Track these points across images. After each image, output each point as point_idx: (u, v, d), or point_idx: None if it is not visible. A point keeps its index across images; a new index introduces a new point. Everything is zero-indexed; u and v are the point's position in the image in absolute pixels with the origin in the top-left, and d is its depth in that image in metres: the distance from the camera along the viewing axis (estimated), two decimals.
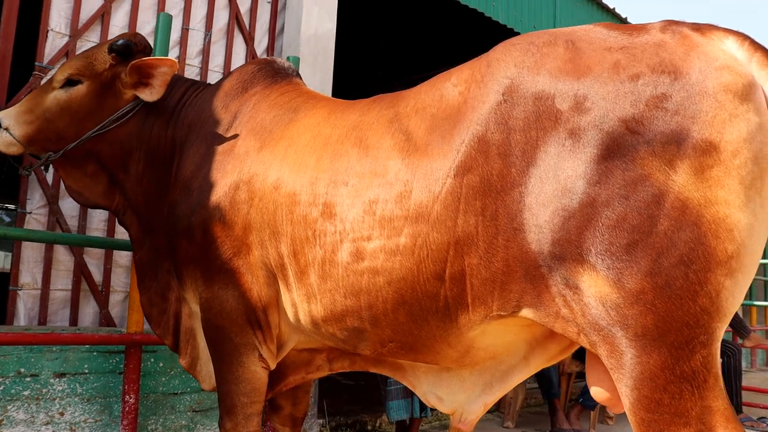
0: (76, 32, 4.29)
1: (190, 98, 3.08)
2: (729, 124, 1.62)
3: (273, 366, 2.73)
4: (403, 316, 2.17)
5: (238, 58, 5.11)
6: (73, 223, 4.24)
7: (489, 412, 6.67)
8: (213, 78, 4.93)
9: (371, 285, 2.16)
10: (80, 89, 3.01)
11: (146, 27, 4.58)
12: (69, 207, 4.20)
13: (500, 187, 1.89)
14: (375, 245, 2.13)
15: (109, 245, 3.90)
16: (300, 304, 2.43)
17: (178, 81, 3.19)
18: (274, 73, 2.96)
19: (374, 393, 4.85)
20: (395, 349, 2.32)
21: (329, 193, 2.26)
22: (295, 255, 2.36)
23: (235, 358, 2.65)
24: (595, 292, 1.71)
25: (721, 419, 1.62)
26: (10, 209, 13.05)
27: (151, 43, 3.95)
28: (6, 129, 3.01)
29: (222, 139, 2.74)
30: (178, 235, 2.73)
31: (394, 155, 2.15)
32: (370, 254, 2.14)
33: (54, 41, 4.22)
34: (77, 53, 3.75)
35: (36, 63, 4.13)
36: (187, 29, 4.81)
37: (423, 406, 4.63)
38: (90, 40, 4.35)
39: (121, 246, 3.89)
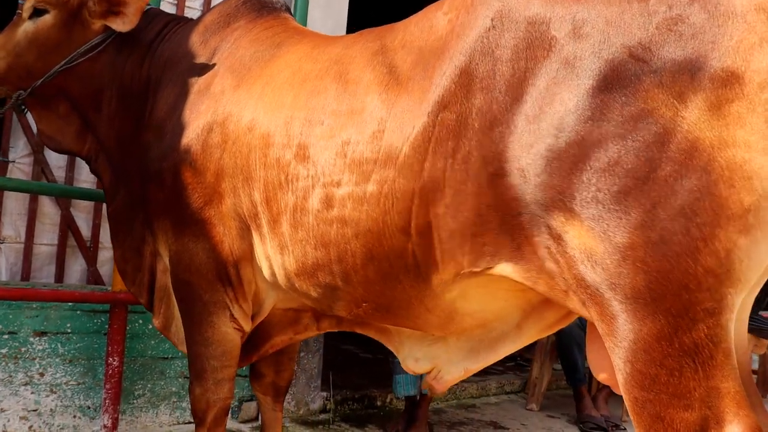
0: None
1: (168, 33, 3.04)
2: (758, 50, 1.45)
3: (247, 328, 2.72)
4: (373, 274, 2.14)
5: None
6: (60, 174, 4.22)
7: (513, 392, 6.57)
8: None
9: (340, 236, 2.14)
10: (47, 20, 2.96)
11: None
12: (56, 157, 4.18)
13: (478, 126, 1.81)
14: (344, 192, 2.11)
15: (97, 197, 3.88)
16: (273, 257, 2.43)
17: (158, 15, 3.14)
18: (260, 6, 2.93)
19: (387, 366, 4.79)
20: (370, 310, 2.29)
21: (304, 134, 2.24)
22: (268, 202, 2.35)
23: (205, 317, 2.63)
24: (579, 244, 1.62)
25: (731, 404, 1.47)
26: None
27: None
28: None
29: (198, 78, 2.71)
30: (149, 180, 2.73)
31: (373, 91, 2.11)
32: (339, 202, 2.12)
33: None
34: None
35: (19, 1, 3.95)
36: None
37: None
38: None
39: (102, 197, 3.80)
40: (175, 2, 4.72)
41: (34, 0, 2.98)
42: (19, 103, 3.07)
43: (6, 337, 3.70)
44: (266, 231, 2.41)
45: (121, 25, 2.92)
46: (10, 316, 3.72)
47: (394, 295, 2.16)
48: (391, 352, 4.48)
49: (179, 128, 2.65)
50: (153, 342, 4.22)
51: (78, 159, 4.27)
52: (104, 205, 4.28)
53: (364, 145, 2.06)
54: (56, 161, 4.20)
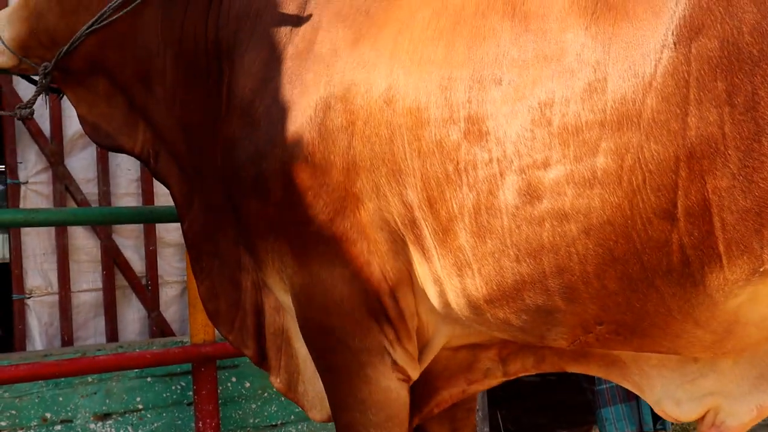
0: None
1: None
2: None
3: (415, 376, 2.70)
4: (615, 282, 2.13)
5: None
6: (90, 189, 4.32)
7: None
8: None
9: (558, 238, 2.14)
10: None
11: None
12: (81, 166, 4.30)
13: (760, 52, 1.79)
14: (556, 174, 2.10)
15: (147, 217, 3.95)
16: (447, 279, 2.44)
17: None
18: None
19: (574, 396, 4.82)
20: (607, 334, 2.28)
21: (474, 100, 2.24)
22: (431, 204, 2.37)
23: (356, 371, 2.66)
24: None
25: None
26: None
27: None
28: None
29: (291, 35, 2.74)
30: (245, 190, 2.76)
31: (573, 24, 2.10)
32: (550, 189, 2.12)
33: None
34: None
35: None
36: None
37: (658, 416, 4.52)
38: None
39: (166, 215, 3.92)
40: None
41: None
42: (48, 83, 3.14)
43: (59, 428, 3.80)
44: (432, 244, 2.43)
45: None
46: (60, 399, 3.78)
47: (646, 309, 2.15)
48: (589, 377, 4.50)
49: (278, 110, 2.67)
50: (254, 406, 4.27)
51: (112, 164, 4.40)
52: (157, 226, 4.45)
53: (578, 103, 2.06)
54: (82, 172, 4.31)
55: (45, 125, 4.27)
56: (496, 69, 2.21)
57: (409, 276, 2.57)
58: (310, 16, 2.72)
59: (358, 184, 2.52)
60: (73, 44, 3.03)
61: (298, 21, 2.74)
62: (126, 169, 4.50)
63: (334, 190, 2.55)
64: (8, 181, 4.18)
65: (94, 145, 4.41)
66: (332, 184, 2.55)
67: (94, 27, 3.00)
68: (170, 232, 4.56)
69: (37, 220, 3.67)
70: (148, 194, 4.50)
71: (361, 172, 2.51)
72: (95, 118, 3.22)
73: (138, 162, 4.30)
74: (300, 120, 2.60)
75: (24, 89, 4.23)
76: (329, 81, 2.56)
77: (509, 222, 2.20)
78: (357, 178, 2.52)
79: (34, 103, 3.21)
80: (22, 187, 4.22)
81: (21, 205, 4.23)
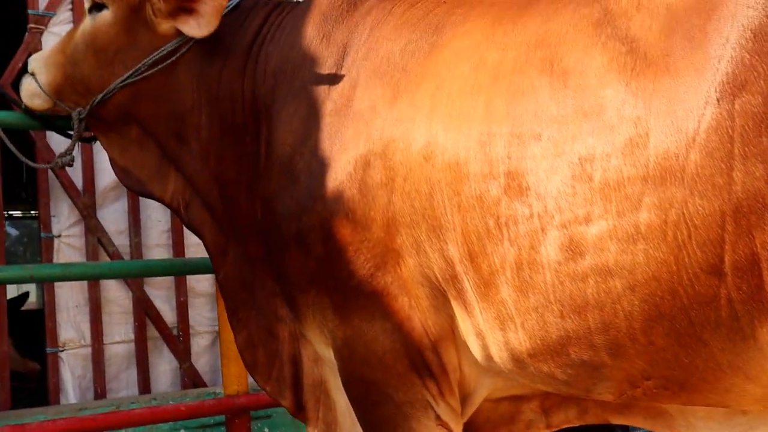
0: None
1: (271, 30, 3.08)
2: None
3: (459, 430, 2.69)
4: (662, 338, 2.11)
5: None
6: (122, 240, 4.33)
7: None
8: None
9: (602, 294, 2.13)
10: (105, 17, 3.07)
11: None
12: (113, 218, 4.33)
13: None
14: (599, 229, 2.10)
15: (180, 269, 3.97)
16: (490, 333, 2.43)
17: (253, 7, 3.18)
18: None
19: None
20: (655, 389, 2.25)
21: (513, 156, 2.25)
22: (472, 258, 2.36)
23: (400, 424, 2.64)
24: None
25: None
26: (16, 217, 13.59)
27: None
28: (32, 74, 3.21)
29: (330, 91, 2.75)
30: (286, 244, 2.77)
31: (612, 80, 2.11)
32: (593, 245, 2.11)
33: None
34: None
35: (29, 11, 4.22)
36: None
37: None
38: None
39: (198, 266, 3.94)
40: None
41: None
42: (82, 128, 3.21)
43: None
44: (473, 298, 2.42)
45: (196, 27, 2.99)
46: None
47: (695, 364, 2.13)
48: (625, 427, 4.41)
49: (319, 166, 2.68)
50: None
51: (143, 215, 4.43)
52: (188, 276, 4.45)
53: (619, 158, 2.06)
54: (114, 224, 4.33)
55: (77, 178, 4.31)
56: (535, 125, 2.21)
57: (451, 330, 2.56)
58: (347, 72, 2.74)
59: (398, 240, 2.52)
60: (106, 95, 3.09)
61: (335, 78, 2.75)
62: (156, 220, 4.51)
63: (375, 246, 2.56)
64: (42, 234, 4.21)
65: (126, 197, 4.48)
66: (373, 240, 2.56)
67: (128, 81, 3.06)
68: (200, 282, 4.56)
69: (73, 274, 3.71)
70: (178, 245, 4.51)
71: (401, 228, 2.51)
72: (126, 162, 3.27)
73: (168, 213, 4.47)
74: (340, 176, 2.61)
75: (57, 144, 4.24)
76: (368, 137, 2.58)
77: (552, 277, 2.19)
78: (397, 234, 2.52)
79: (73, 150, 3.28)
80: (56, 240, 4.24)
81: (54, 258, 4.24)
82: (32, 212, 12.42)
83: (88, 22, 3.12)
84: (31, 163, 3.53)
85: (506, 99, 2.30)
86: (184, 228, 4.34)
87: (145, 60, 3.05)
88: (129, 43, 3.08)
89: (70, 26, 4.33)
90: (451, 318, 2.53)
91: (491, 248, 2.30)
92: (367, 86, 2.66)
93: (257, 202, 2.93)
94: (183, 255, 4.45)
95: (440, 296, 2.51)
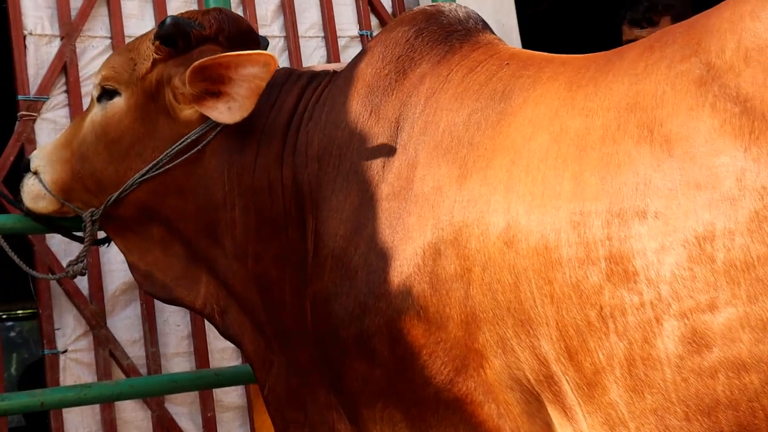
0: (70, 27, 4.30)
1: (309, 107, 3.02)
2: None
3: None
4: None
5: (346, 10, 5.11)
6: (136, 351, 4.12)
7: None
8: (315, 57, 4.86)
9: (737, 391, 2.03)
10: (118, 105, 3.05)
11: None
12: (125, 325, 4.11)
13: None
14: (727, 318, 2.00)
15: (211, 381, 3.72)
16: None
17: (287, 79, 3.13)
18: (446, 33, 2.90)
19: None
20: None
21: (615, 237, 2.17)
22: (572, 356, 2.27)
23: None
24: None
25: None
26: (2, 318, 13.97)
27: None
28: (35, 173, 3.18)
29: (384, 173, 2.70)
30: (345, 351, 2.70)
31: (726, 146, 2.03)
32: (721, 335, 2.01)
33: (38, 52, 4.25)
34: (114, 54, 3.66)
35: (19, 97, 4.11)
36: None
37: None
38: (97, 35, 4.41)
39: (234, 377, 3.77)
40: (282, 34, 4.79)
41: (102, 72, 3.08)
42: (95, 231, 3.15)
43: None
44: (575, 401, 2.31)
45: (226, 113, 2.90)
46: None
47: None
48: None
49: (379, 259, 2.61)
50: None
51: (159, 320, 4.21)
52: (215, 390, 4.21)
53: (744, 235, 1.98)
54: (126, 332, 4.11)
55: (83, 284, 4.07)
56: (637, 200, 2.16)
57: None
58: (403, 150, 2.71)
59: (480, 338, 2.46)
60: (123, 192, 3.05)
61: (390, 157, 2.73)
62: (175, 325, 4.29)
63: (453, 347, 2.51)
64: (45, 351, 3.96)
65: (138, 301, 4.28)
66: (450, 341, 2.51)
67: (148, 175, 3.02)
68: (229, 394, 4.32)
69: (90, 397, 3.49)
70: (201, 352, 4.27)
71: (483, 324, 2.44)
72: (148, 266, 3.23)
73: (188, 316, 4.29)
74: (406, 269, 2.56)
75: (57, 245, 4.08)
76: (436, 223, 2.53)
77: (673, 374, 2.11)
78: (479, 332, 2.46)
79: (85, 256, 3.26)
80: (61, 357, 4.00)
81: (61, 378, 4.01)
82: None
83: (97, 111, 3.11)
84: (37, 275, 3.52)
85: (599, 172, 2.25)
86: (207, 332, 4.24)
87: (167, 150, 3.01)
88: (147, 133, 3.06)
89: (65, 111, 4.25)
90: (548, 425, 2.45)
91: (594, 343, 2.23)
92: (428, 165, 2.63)
93: (306, 302, 2.89)
94: (207, 363, 4.21)
95: (534, 400, 2.44)
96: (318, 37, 4.97)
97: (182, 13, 3.13)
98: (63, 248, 4.04)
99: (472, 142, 2.55)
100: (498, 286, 2.37)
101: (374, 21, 5.15)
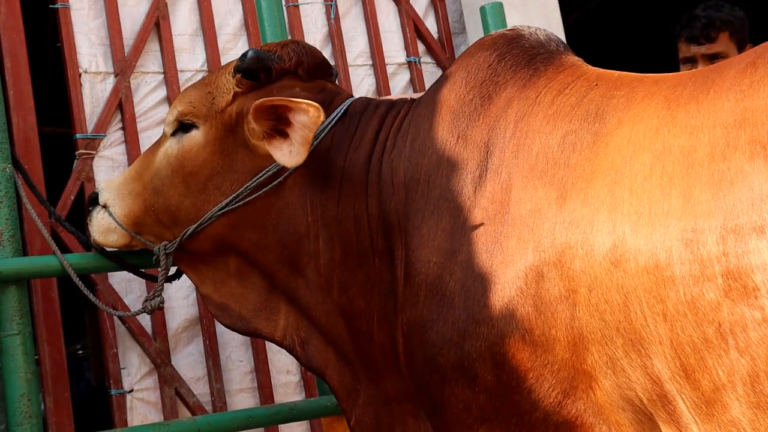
0: (124, 63, 4.34)
1: (390, 136, 3.03)
2: None
3: None
4: None
5: (393, 37, 5.11)
6: (201, 389, 4.10)
7: None
8: (364, 85, 4.91)
9: None
10: (195, 138, 3.08)
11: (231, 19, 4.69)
12: (188, 362, 4.10)
13: None
14: None
15: (285, 417, 3.73)
16: None
17: (365, 109, 3.13)
18: (530, 56, 2.92)
19: None
20: None
21: (731, 253, 2.15)
22: (689, 374, 2.25)
23: None
24: None
25: None
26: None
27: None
28: (104, 206, 3.20)
29: (476, 197, 2.71)
30: (445, 377, 2.69)
31: None
32: None
33: (93, 89, 4.28)
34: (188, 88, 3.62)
35: (77, 135, 4.13)
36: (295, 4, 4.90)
37: None
38: (150, 70, 4.45)
39: (304, 412, 3.82)
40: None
41: (178, 108, 3.11)
42: (170, 265, 3.17)
43: None
44: (692, 419, 2.29)
45: (287, 155, 2.89)
46: None
47: None
48: None
49: (477, 284, 2.60)
50: None
51: (222, 356, 4.20)
52: (281, 427, 4.18)
53: None
54: (190, 370, 4.09)
55: (146, 321, 4.07)
56: (754, 215, 2.14)
57: None
58: (495, 174, 2.71)
59: (588, 359, 2.46)
60: (201, 225, 3.08)
61: (481, 182, 2.73)
62: (238, 360, 4.27)
63: (561, 369, 2.50)
64: (113, 391, 3.95)
65: (200, 337, 4.27)
66: (557, 363, 2.50)
67: (228, 208, 3.05)
68: (293, 429, 4.32)
69: None
70: (265, 387, 4.25)
71: (591, 345, 2.45)
72: (223, 298, 3.23)
73: (250, 351, 4.28)
74: (508, 293, 2.56)
75: (118, 284, 4.08)
76: (537, 246, 2.53)
77: None
78: (587, 353, 2.46)
79: (162, 290, 3.27)
80: (128, 397, 3.99)
81: (128, 419, 4.01)
82: None
83: (172, 144, 3.13)
84: (117, 312, 3.66)
85: (710, 189, 2.24)
86: (271, 367, 4.25)
87: (248, 183, 3.04)
88: (226, 166, 3.08)
89: (122, 147, 4.26)
90: None
91: (713, 360, 2.21)
92: (524, 188, 2.63)
93: (397, 332, 2.90)
94: (272, 398, 4.21)
95: (646, 420, 2.43)
96: (366, 65, 4.98)
97: (261, 46, 3.18)
98: (124, 287, 4.03)
99: (568, 163, 2.54)
100: (606, 307, 2.36)
101: (421, 47, 5.16)
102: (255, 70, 3.02)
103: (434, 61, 5.22)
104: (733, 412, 2.19)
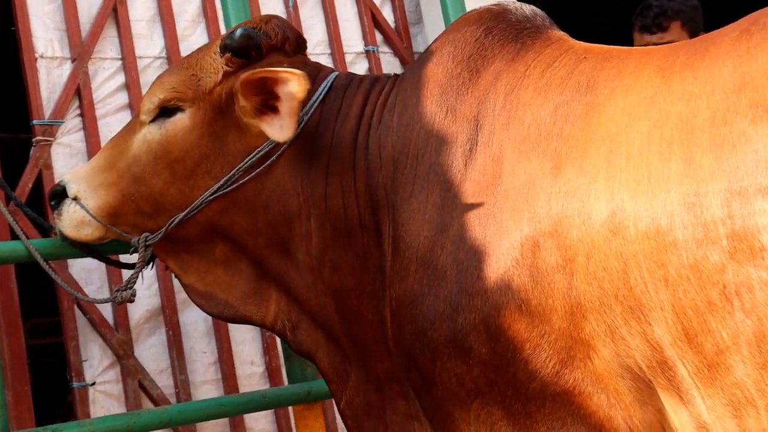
0: (82, 48, 4.31)
1: (377, 112, 3.03)
2: None
3: None
4: None
5: (350, 26, 5.18)
6: (164, 380, 4.08)
7: None
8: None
9: None
10: (180, 122, 3.04)
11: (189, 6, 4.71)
12: (151, 354, 4.07)
13: None
14: None
15: (256, 405, 3.69)
16: (718, 423, 2.32)
17: (349, 84, 3.14)
18: (516, 31, 2.94)
19: None
20: None
21: (737, 215, 2.17)
22: (691, 338, 2.27)
23: None
24: None
25: None
26: None
27: None
28: (75, 199, 3.11)
29: (467, 170, 2.71)
30: (437, 352, 2.68)
31: None
32: None
33: (50, 75, 4.25)
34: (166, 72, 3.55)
35: (33, 122, 4.10)
36: None
37: None
38: (108, 56, 4.42)
39: (276, 400, 3.78)
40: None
41: (159, 94, 3.06)
42: (148, 254, 3.12)
43: None
44: (692, 384, 2.31)
45: (278, 130, 2.90)
46: None
47: None
48: None
49: (470, 257, 2.61)
50: None
51: (186, 347, 4.19)
52: (246, 417, 4.18)
53: None
54: (153, 362, 4.06)
55: (107, 312, 4.03)
56: (759, 177, 2.16)
57: (661, 427, 2.48)
58: (486, 147, 2.73)
59: (586, 328, 2.46)
60: (191, 212, 3.05)
61: (472, 155, 2.74)
62: (201, 352, 4.26)
63: (558, 339, 2.51)
64: (74, 384, 3.90)
65: (163, 328, 4.24)
66: (554, 333, 2.51)
67: (219, 192, 3.03)
68: (258, 421, 4.30)
69: (140, 424, 3.45)
70: (230, 378, 4.25)
71: (589, 314, 2.44)
72: (209, 287, 3.21)
73: (213, 342, 4.28)
74: (503, 264, 2.57)
75: (78, 273, 4.03)
76: (532, 216, 2.54)
77: None
78: (585, 322, 2.46)
79: (135, 282, 3.22)
80: (90, 390, 3.95)
81: (91, 412, 3.96)
82: None
83: (153, 130, 3.08)
84: (86, 298, 3.67)
85: (712, 153, 2.26)
86: (234, 358, 4.26)
87: (240, 165, 3.03)
88: (215, 149, 3.06)
89: (80, 134, 4.24)
90: (660, 412, 2.47)
91: (717, 323, 2.23)
92: (517, 159, 2.64)
93: (385, 309, 2.90)
94: (236, 390, 4.20)
95: (645, 388, 2.46)
96: (325, 53, 5.00)
97: (245, 23, 3.15)
98: (84, 277, 3.99)
99: (561, 134, 2.55)
100: (604, 274, 2.37)
101: (379, 37, 5.19)
102: (246, 48, 3.01)
103: (392, 51, 5.26)
104: (737, 373, 2.21)
